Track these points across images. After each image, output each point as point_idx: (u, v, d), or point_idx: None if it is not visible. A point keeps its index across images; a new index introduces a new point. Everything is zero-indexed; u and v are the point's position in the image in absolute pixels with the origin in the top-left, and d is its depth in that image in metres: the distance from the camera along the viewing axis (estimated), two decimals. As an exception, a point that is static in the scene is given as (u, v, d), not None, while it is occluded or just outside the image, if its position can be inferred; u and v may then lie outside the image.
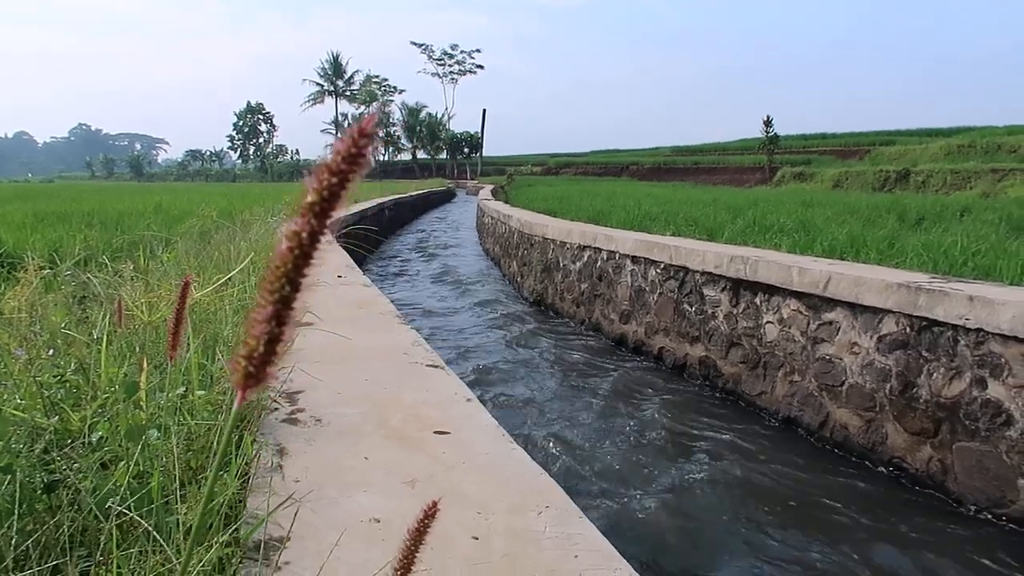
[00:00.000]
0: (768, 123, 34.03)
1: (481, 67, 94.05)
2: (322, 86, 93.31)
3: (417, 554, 0.58)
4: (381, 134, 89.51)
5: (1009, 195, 17.40)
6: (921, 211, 10.50)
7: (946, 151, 26.48)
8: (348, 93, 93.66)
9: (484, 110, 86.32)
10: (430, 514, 0.59)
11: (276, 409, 2.74)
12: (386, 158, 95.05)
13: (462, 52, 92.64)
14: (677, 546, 4.31)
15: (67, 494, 1.72)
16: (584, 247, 10.19)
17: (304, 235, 0.43)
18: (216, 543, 1.55)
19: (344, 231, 10.96)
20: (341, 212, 0.44)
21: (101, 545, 1.60)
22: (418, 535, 0.59)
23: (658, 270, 8.24)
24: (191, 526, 1.63)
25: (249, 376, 0.46)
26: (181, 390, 2.12)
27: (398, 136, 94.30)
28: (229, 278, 3.38)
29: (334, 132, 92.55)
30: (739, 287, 6.88)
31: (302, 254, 0.44)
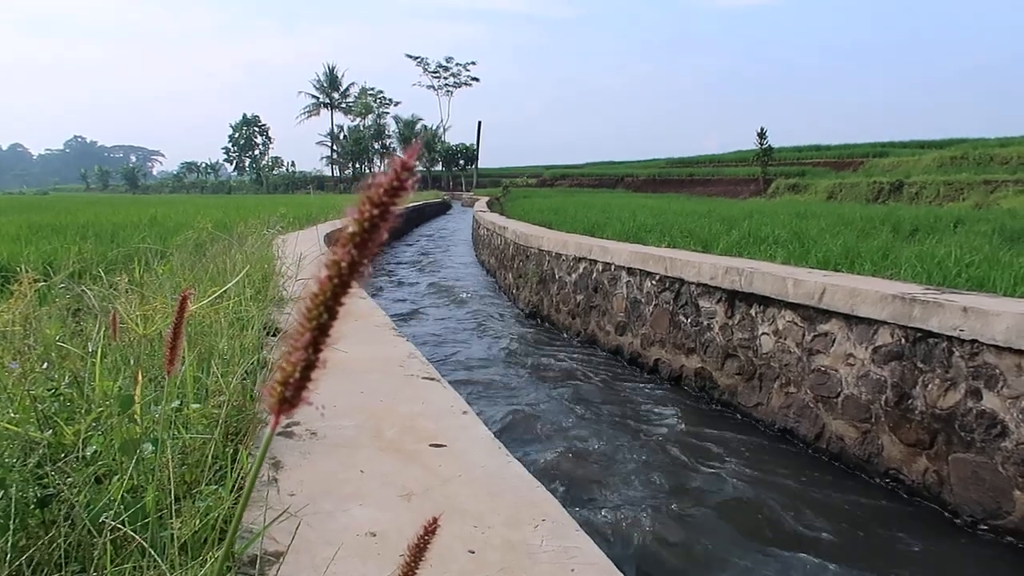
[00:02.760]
0: (762, 135, 34.21)
1: (476, 79, 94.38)
2: (318, 98, 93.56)
3: (417, 571, 0.58)
4: (376, 146, 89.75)
5: (1002, 206, 17.50)
6: (915, 222, 10.55)
7: (939, 163, 26.65)
8: (344, 105, 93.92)
9: (479, 122, 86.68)
10: (430, 530, 0.59)
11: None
12: (382, 170, 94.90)
13: (457, 64, 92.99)
14: (670, 558, 4.29)
15: (61, 509, 1.71)
16: (580, 259, 10.20)
17: (344, 265, 0.44)
18: (211, 558, 1.54)
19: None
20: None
21: (95, 561, 1.59)
22: (418, 551, 0.58)
23: (653, 282, 8.25)
24: (185, 541, 1.62)
25: (284, 401, 0.46)
26: (176, 403, 2.12)
27: (393, 148, 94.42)
28: (225, 291, 3.38)
29: (329, 144, 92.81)
30: (734, 299, 6.89)
31: (341, 283, 0.44)
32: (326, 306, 0.45)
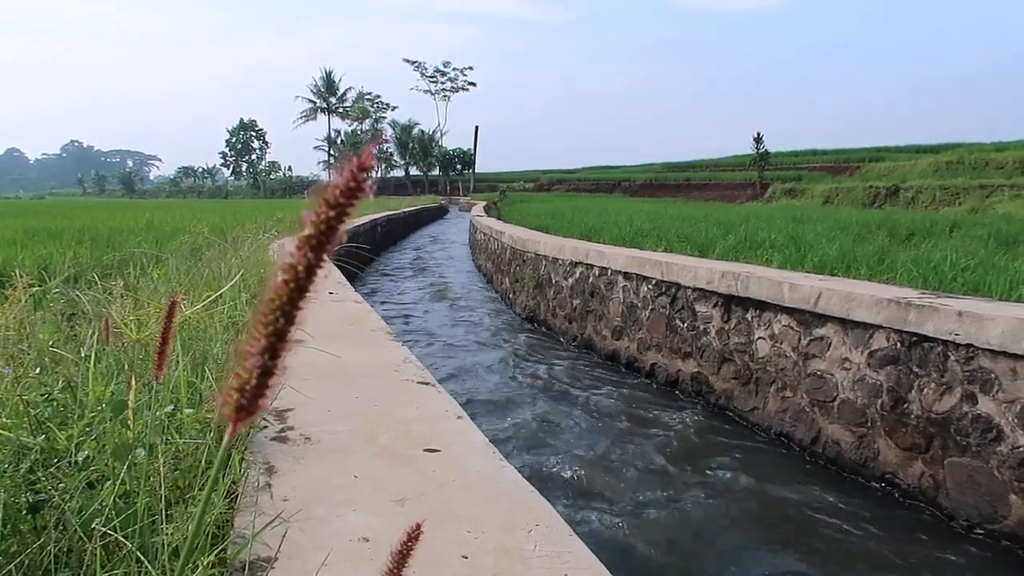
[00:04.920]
0: (759, 139, 34.21)
1: (473, 84, 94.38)
2: (315, 103, 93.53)
3: (400, 576, 0.57)
4: (373, 151, 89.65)
5: (997, 211, 17.54)
6: (911, 227, 10.57)
7: (935, 167, 26.69)
8: (341, 110, 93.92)
9: (476, 127, 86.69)
10: (413, 536, 0.58)
11: (265, 427, 2.72)
12: (378, 175, 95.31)
13: (454, 69, 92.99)
14: (667, 561, 4.28)
15: (52, 514, 1.70)
16: (576, 263, 10.21)
17: (300, 269, 0.43)
18: (202, 563, 1.53)
19: (336, 247, 10.94)
20: (338, 244, 0.44)
21: (86, 566, 1.58)
22: (401, 558, 0.58)
23: (650, 286, 8.26)
24: (176, 546, 1.61)
25: (241, 409, 0.45)
26: (169, 408, 2.11)
27: (391, 153, 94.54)
28: (219, 295, 3.37)
29: (327, 149, 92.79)
30: (730, 303, 6.89)
31: (297, 288, 0.43)
32: (283, 311, 0.43)
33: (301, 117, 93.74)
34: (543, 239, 12.08)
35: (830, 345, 5.67)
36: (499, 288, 14.96)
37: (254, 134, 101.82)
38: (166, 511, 1.68)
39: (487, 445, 2.70)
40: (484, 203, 35.61)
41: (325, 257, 0.43)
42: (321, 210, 0.42)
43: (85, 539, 1.62)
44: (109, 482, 1.76)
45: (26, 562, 1.60)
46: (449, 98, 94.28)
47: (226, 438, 0.50)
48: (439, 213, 50.13)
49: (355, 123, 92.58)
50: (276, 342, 0.44)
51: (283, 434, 2.71)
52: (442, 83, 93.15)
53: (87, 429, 1.97)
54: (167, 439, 2.06)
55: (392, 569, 0.58)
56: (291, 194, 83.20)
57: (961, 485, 4.59)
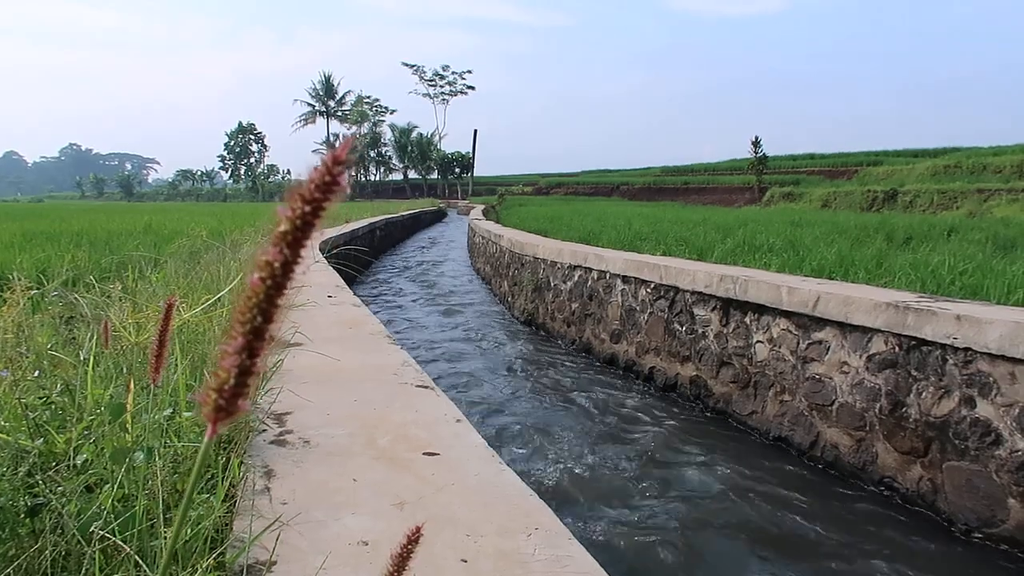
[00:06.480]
0: (757, 143, 34.29)
1: (472, 88, 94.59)
2: (313, 106, 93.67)
3: (400, 579, 0.57)
4: (372, 154, 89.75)
5: (995, 215, 17.58)
6: (909, 231, 10.59)
7: (933, 172, 26.76)
8: (340, 113, 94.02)
9: (475, 130, 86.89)
10: (413, 539, 0.58)
11: (264, 431, 2.72)
12: (377, 178, 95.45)
13: (453, 73, 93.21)
14: (665, 566, 4.28)
15: (50, 518, 1.70)
16: (575, 267, 10.21)
17: (277, 265, 0.42)
18: (200, 567, 1.53)
19: (335, 251, 10.96)
20: (319, 238, 0.43)
21: (84, 570, 1.58)
22: (401, 560, 0.58)
23: (648, 290, 8.26)
24: (176, 550, 1.61)
25: (220, 409, 0.44)
26: (168, 411, 2.10)
27: (389, 156, 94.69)
28: (218, 298, 3.37)
29: (325, 152, 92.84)
30: (729, 307, 6.89)
31: (275, 285, 0.42)
32: (260, 309, 0.43)
33: (300, 120, 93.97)
34: (542, 242, 12.08)
35: (828, 349, 5.67)
36: (498, 291, 14.96)
37: (253, 137, 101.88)
38: (165, 515, 1.67)
39: (486, 448, 2.69)
40: (482, 207, 35.66)
41: (302, 253, 0.42)
42: (296, 206, 0.42)
43: (84, 543, 1.62)
44: (108, 485, 1.76)
45: (24, 566, 1.60)
46: (448, 102, 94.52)
47: (206, 439, 0.49)
48: (437, 217, 50.16)
49: (354, 126, 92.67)
50: (254, 341, 0.43)
51: (282, 437, 2.70)
52: (441, 87, 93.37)
53: (86, 432, 1.97)
54: (166, 442, 2.05)
55: (392, 572, 0.58)
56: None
57: (960, 489, 4.59)
